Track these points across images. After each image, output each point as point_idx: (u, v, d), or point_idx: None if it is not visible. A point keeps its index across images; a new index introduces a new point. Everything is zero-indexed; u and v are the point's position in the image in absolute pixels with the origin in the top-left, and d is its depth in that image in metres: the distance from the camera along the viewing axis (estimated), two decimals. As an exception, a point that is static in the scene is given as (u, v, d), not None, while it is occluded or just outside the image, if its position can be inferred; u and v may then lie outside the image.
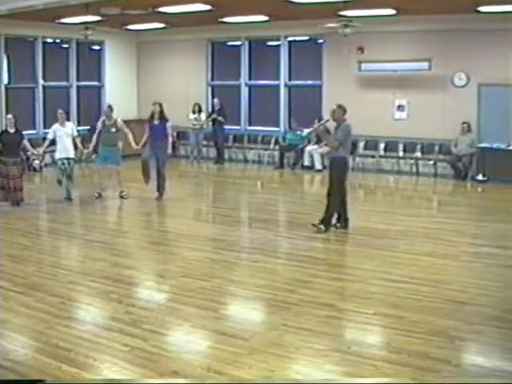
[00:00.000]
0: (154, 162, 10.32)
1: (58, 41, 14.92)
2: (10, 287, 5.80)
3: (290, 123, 14.35)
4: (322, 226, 7.90)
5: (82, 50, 15.16)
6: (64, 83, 15.03)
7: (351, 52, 13.23)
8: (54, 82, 14.78)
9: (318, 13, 11.51)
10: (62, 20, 12.73)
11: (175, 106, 15.36)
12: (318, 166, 13.45)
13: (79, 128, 14.83)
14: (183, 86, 15.71)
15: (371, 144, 13.56)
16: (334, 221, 8.07)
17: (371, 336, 4.84)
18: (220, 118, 14.64)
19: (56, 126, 9.98)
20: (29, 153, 10.41)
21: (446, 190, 12.06)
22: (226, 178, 13.68)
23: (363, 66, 13.34)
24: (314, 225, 7.92)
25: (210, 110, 15.25)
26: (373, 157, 13.60)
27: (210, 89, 15.83)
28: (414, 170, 13.13)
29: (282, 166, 14.05)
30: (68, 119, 10.55)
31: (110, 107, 10.48)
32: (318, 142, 13.64)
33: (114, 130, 10.20)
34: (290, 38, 14.63)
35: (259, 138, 15.01)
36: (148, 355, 4.36)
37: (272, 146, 14.70)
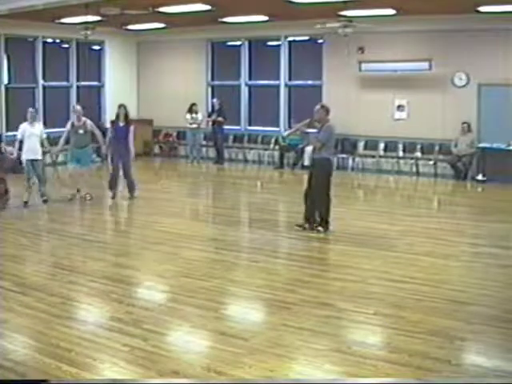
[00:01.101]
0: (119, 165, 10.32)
1: (58, 41, 14.93)
2: (9, 287, 5.80)
3: (290, 123, 14.35)
4: (320, 228, 7.90)
5: (82, 50, 15.16)
6: (64, 83, 15.04)
7: (351, 52, 13.24)
8: (54, 82, 14.79)
9: (318, 13, 11.51)
10: (62, 20, 12.73)
11: (175, 106, 15.44)
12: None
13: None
14: (183, 86, 15.71)
15: (371, 144, 13.57)
16: (301, 221, 8.03)
17: (371, 336, 4.83)
18: (220, 119, 14.65)
19: (24, 125, 9.63)
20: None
21: (446, 190, 12.07)
22: (226, 178, 13.68)
23: (363, 66, 13.35)
24: (312, 229, 7.93)
25: (209, 109, 15.24)
26: (373, 157, 13.60)
27: (209, 89, 15.84)
28: (414, 169, 13.13)
29: (281, 166, 14.05)
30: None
31: (80, 108, 10.32)
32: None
33: (81, 131, 10.03)
34: (290, 38, 14.63)
35: (259, 138, 15.01)
36: (148, 355, 4.36)
37: (272, 145, 14.70)
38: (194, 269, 6.49)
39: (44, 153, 10.03)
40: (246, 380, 4.03)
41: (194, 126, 14.81)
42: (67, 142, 10.29)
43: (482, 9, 10.97)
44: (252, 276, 6.32)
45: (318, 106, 8.05)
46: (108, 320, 5.08)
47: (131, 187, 10.33)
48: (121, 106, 10.42)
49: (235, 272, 6.51)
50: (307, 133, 8.33)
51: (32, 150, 9.53)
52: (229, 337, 4.69)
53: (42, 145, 9.85)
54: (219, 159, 14.88)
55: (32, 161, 9.54)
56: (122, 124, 10.24)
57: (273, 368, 4.19)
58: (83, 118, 10.14)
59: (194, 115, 14.79)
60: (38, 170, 9.66)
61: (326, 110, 7.99)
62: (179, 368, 4.18)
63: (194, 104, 14.83)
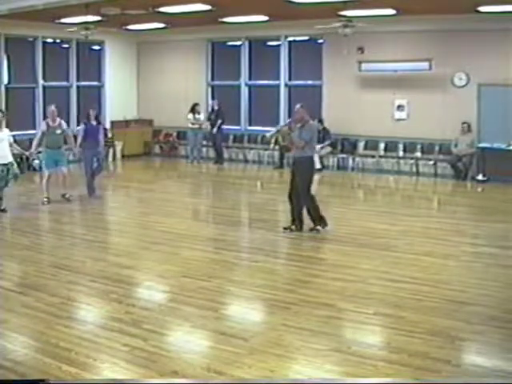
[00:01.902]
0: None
1: (58, 41, 14.93)
2: (9, 287, 5.80)
3: (290, 123, 14.31)
4: (318, 227, 7.87)
5: (82, 50, 15.16)
6: (64, 83, 15.04)
7: (351, 52, 13.24)
8: (54, 82, 14.79)
9: (318, 13, 11.52)
10: (62, 20, 12.73)
11: (175, 106, 15.46)
12: (317, 165, 13.46)
13: (79, 128, 14.93)
14: (183, 86, 15.71)
15: (371, 144, 13.57)
16: (289, 223, 7.99)
17: (371, 336, 4.84)
18: (219, 122, 14.64)
19: None
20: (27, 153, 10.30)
21: (446, 190, 12.07)
22: (226, 178, 13.68)
23: (363, 65, 13.35)
24: (311, 229, 7.90)
25: (209, 110, 15.23)
26: (373, 157, 13.60)
27: (209, 89, 15.84)
28: (414, 169, 13.13)
29: (281, 166, 14.04)
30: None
31: (56, 108, 10.12)
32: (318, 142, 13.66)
33: (59, 131, 9.93)
34: (290, 38, 14.64)
35: (259, 138, 14.99)
36: (148, 355, 4.36)
37: (272, 145, 14.67)
38: (194, 269, 6.49)
39: (14, 154, 9.76)
40: (246, 380, 4.03)
41: (196, 126, 14.81)
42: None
43: (482, 9, 10.97)
44: (252, 276, 6.32)
45: (297, 106, 7.97)
46: (108, 320, 5.08)
47: (93, 185, 10.38)
48: (94, 108, 10.65)
49: (235, 272, 6.51)
50: (289, 133, 8.16)
51: (3, 154, 9.17)
52: (229, 337, 4.69)
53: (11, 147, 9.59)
54: (219, 159, 14.88)
55: (3, 165, 9.17)
56: (94, 123, 10.42)
57: (273, 368, 4.19)
58: (58, 119, 10.03)
59: (196, 115, 14.78)
60: (9, 172, 9.29)
61: (307, 109, 7.95)
62: (179, 368, 4.18)
63: (196, 104, 14.83)
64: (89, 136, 10.31)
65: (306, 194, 7.86)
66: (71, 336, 4.66)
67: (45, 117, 10.18)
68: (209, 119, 14.93)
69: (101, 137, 10.55)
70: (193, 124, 14.78)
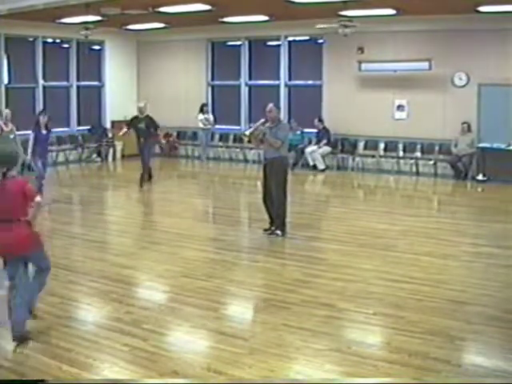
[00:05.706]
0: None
1: (58, 41, 14.93)
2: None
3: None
4: (278, 232, 7.77)
5: (82, 50, 15.16)
6: (64, 83, 15.03)
7: (351, 52, 13.25)
8: (54, 82, 14.78)
9: (318, 13, 11.52)
10: (62, 20, 12.73)
11: (175, 106, 15.45)
12: (321, 166, 13.50)
13: (79, 128, 14.99)
14: (183, 86, 15.72)
15: (371, 144, 13.56)
16: (268, 225, 7.91)
17: (371, 336, 4.83)
18: (151, 130, 11.76)
19: None
20: None
21: (446, 190, 12.07)
22: (226, 178, 13.67)
23: (363, 65, 13.35)
24: (271, 232, 7.81)
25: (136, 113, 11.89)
26: (373, 157, 13.60)
27: (210, 89, 15.84)
28: (414, 169, 13.13)
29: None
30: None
31: (10, 112, 9.99)
32: (318, 141, 13.68)
33: (12, 136, 9.71)
34: (290, 38, 14.64)
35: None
36: (148, 355, 4.36)
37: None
38: (194, 269, 6.49)
39: None
40: (246, 380, 4.04)
41: (208, 126, 14.80)
42: None
43: (482, 9, 10.97)
44: (252, 276, 6.33)
45: (270, 105, 7.79)
46: (108, 320, 5.08)
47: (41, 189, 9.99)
48: (46, 114, 10.00)
49: (235, 272, 6.51)
50: (264, 134, 7.97)
51: None
52: (229, 337, 4.69)
53: None
54: (145, 175, 11.79)
55: None
56: (44, 132, 9.90)
57: (273, 368, 4.19)
58: (10, 124, 9.74)
59: (206, 115, 14.79)
60: None
61: (279, 109, 7.95)
62: (179, 368, 4.18)
63: (204, 104, 14.89)
64: (38, 144, 9.84)
65: (282, 196, 7.73)
66: (71, 336, 4.67)
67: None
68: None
69: (48, 145, 10.28)
70: (205, 124, 14.77)
